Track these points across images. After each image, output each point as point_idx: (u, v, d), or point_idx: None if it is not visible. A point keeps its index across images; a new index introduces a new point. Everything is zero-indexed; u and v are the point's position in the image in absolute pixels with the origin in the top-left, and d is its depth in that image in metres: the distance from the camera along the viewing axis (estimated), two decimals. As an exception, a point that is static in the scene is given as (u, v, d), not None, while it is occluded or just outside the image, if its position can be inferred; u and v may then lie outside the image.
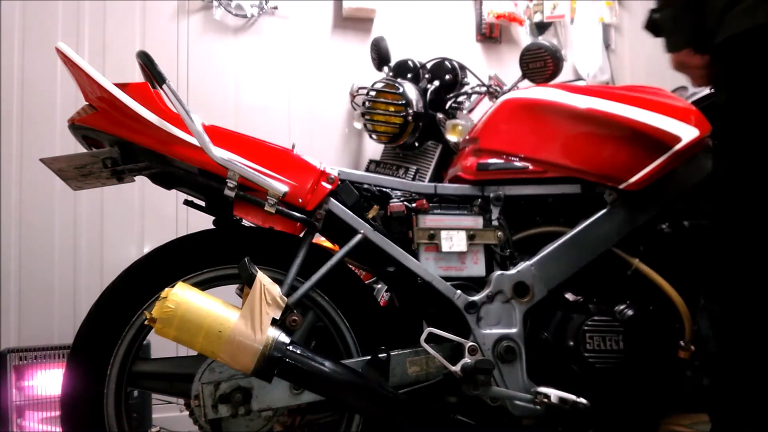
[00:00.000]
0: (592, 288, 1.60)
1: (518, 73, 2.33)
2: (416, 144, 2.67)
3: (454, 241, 1.53)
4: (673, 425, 2.13)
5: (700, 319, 1.47)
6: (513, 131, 1.64)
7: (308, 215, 1.44)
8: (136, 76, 1.43)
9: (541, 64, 2.22)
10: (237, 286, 1.48)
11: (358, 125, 2.81)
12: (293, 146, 1.51)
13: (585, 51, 3.54)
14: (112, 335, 1.37)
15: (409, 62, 2.79)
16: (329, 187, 1.45)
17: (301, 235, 1.48)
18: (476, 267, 1.55)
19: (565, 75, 2.81)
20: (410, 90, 2.59)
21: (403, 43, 3.07)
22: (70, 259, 2.73)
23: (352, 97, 2.95)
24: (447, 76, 2.71)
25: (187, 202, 1.54)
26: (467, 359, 1.44)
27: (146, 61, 1.33)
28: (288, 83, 3.12)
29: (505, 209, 1.59)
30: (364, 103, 2.67)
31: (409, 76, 2.73)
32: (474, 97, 2.72)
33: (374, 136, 2.69)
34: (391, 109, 2.58)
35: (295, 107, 3.13)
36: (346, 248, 1.44)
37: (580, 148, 1.58)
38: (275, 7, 3.12)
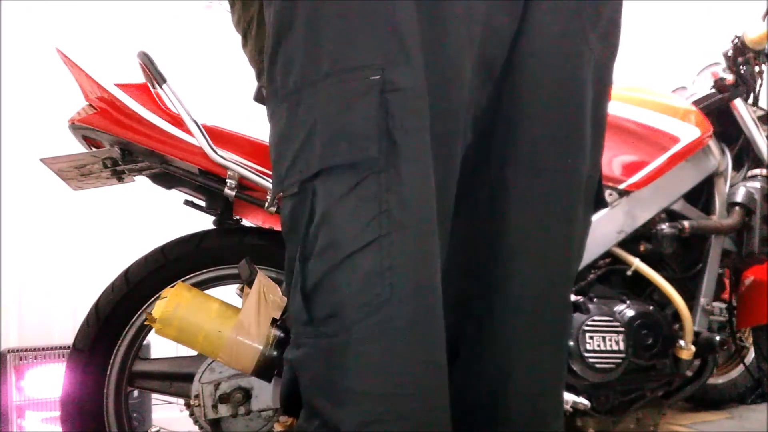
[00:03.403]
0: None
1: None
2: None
3: (454, 241, 1.53)
4: (673, 425, 2.13)
5: None
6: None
7: (308, 215, 1.44)
8: (137, 76, 1.43)
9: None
10: (237, 286, 1.47)
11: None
12: (293, 146, 1.50)
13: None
14: (112, 335, 1.37)
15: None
16: (329, 187, 1.45)
17: (301, 235, 1.48)
18: (476, 267, 1.54)
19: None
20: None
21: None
22: (70, 260, 2.73)
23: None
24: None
25: (187, 202, 1.54)
26: (467, 359, 1.43)
27: (146, 61, 1.33)
28: (288, 83, 3.12)
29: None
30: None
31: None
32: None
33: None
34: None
35: (295, 107, 3.12)
36: (346, 248, 1.44)
37: (580, 148, 1.58)
38: (275, 7, 3.11)
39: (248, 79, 1.25)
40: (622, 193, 1.57)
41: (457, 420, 0.88)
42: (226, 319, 1.24)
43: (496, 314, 0.85)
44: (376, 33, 0.66)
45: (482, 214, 0.84)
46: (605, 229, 1.57)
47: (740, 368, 2.31)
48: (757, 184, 1.64)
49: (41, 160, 1.39)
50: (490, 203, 0.84)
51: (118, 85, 1.34)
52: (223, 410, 1.33)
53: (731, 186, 1.66)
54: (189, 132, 1.33)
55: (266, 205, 1.36)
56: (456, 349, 0.87)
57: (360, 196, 0.65)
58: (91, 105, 1.37)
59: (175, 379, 1.41)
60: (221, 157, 1.32)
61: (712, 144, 1.64)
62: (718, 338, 1.55)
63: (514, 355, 0.84)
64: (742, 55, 1.69)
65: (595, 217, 1.57)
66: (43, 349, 2.30)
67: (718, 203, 1.65)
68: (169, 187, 1.55)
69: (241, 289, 1.42)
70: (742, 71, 1.69)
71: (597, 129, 0.89)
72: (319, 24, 0.68)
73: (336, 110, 0.66)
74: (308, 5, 0.68)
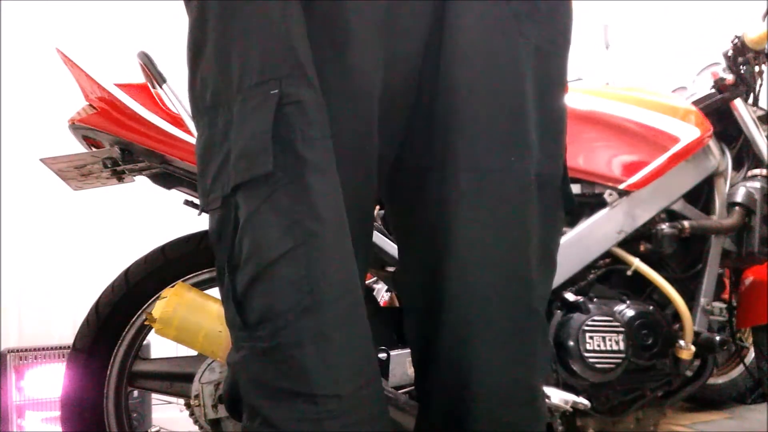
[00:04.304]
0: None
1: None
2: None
3: (454, 241, 1.53)
4: (673, 425, 2.13)
5: None
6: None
7: (308, 215, 1.44)
8: (137, 76, 1.43)
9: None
10: (237, 286, 1.47)
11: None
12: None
13: (585, 51, 3.55)
14: (111, 335, 1.37)
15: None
16: (329, 187, 1.45)
17: (301, 235, 1.48)
18: (476, 267, 1.54)
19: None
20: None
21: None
22: (70, 260, 2.72)
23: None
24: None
25: (187, 202, 1.54)
26: (467, 359, 1.43)
27: (146, 61, 1.33)
28: (288, 83, 3.12)
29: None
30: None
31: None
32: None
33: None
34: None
35: (295, 107, 3.12)
36: (346, 248, 1.44)
37: (579, 148, 1.58)
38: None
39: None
40: (622, 193, 1.57)
41: (429, 426, 0.88)
42: (226, 319, 1.24)
43: (454, 323, 0.83)
44: (273, 49, 0.69)
45: (433, 219, 0.83)
46: (605, 229, 1.57)
47: (740, 368, 2.31)
48: (757, 184, 1.64)
49: (41, 160, 1.39)
50: (439, 208, 0.82)
51: (118, 85, 1.34)
52: (223, 410, 1.33)
53: (731, 186, 1.66)
54: (189, 132, 1.33)
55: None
56: (431, 352, 0.87)
57: (273, 209, 0.68)
58: (91, 105, 1.37)
59: (175, 379, 1.41)
60: (221, 157, 1.32)
61: (712, 144, 1.64)
62: (718, 338, 1.55)
63: (474, 363, 0.82)
64: (742, 55, 1.69)
65: (595, 217, 1.57)
66: (43, 349, 2.30)
67: (718, 203, 1.65)
68: (169, 187, 1.55)
69: (241, 289, 1.42)
70: (742, 71, 1.69)
71: (550, 124, 0.84)
72: (226, 43, 0.70)
73: (245, 127, 0.68)
74: (216, 24, 0.71)
